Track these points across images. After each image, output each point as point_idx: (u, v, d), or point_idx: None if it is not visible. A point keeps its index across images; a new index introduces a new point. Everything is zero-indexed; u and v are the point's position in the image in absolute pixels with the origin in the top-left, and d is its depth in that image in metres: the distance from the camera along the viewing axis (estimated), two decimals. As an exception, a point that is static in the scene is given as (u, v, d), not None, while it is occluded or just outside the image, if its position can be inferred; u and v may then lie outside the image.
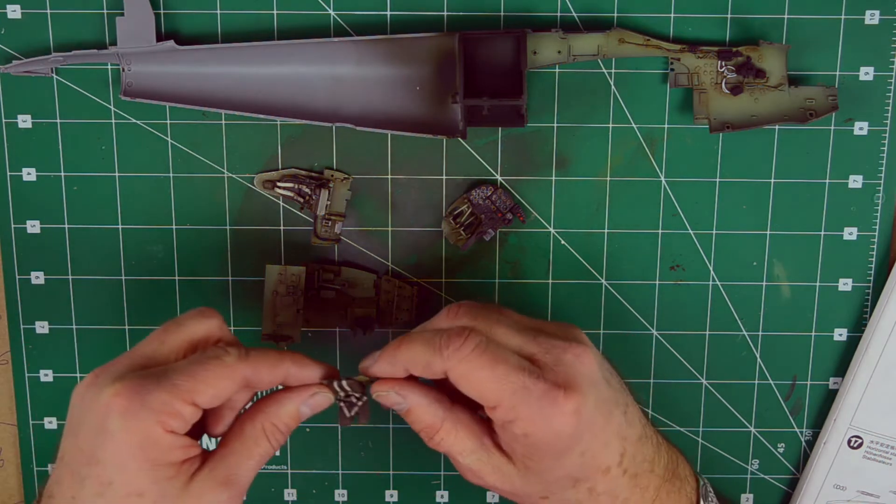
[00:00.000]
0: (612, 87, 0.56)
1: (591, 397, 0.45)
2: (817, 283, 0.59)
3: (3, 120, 0.57)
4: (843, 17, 0.55)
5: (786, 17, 0.55)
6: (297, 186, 0.57)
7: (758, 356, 0.60)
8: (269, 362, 0.45)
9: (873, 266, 0.59)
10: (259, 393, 0.49)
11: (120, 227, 0.58)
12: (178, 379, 0.43)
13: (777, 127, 0.57)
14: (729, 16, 0.55)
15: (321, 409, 0.47)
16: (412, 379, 0.47)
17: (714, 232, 0.58)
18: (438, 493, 0.62)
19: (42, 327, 0.60)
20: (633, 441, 0.47)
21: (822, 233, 0.58)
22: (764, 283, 0.59)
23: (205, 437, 0.49)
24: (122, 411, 0.42)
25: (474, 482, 0.48)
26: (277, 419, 0.46)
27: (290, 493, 0.62)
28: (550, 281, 0.59)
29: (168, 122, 0.57)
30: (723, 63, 0.55)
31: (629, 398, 0.48)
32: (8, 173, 0.57)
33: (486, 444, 0.47)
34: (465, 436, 0.47)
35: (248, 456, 0.46)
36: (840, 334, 0.60)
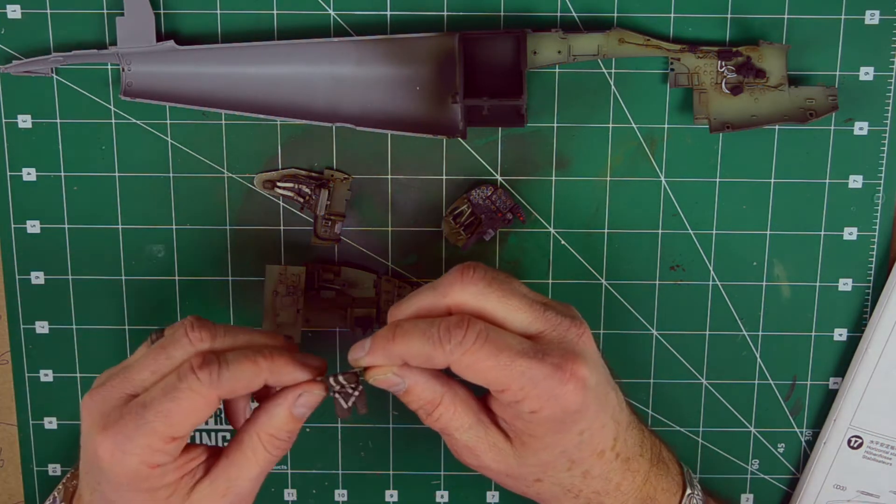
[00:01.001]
0: (612, 87, 0.56)
1: (593, 375, 0.45)
2: (817, 283, 0.59)
3: (3, 120, 0.57)
4: (843, 17, 0.55)
5: (786, 17, 0.55)
6: (297, 186, 0.57)
7: (758, 356, 0.60)
8: (244, 379, 0.45)
9: (873, 266, 0.59)
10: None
11: (120, 227, 0.58)
12: (153, 419, 0.43)
13: (777, 127, 0.57)
14: (729, 16, 0.56)
15: (316, 405, 0.47)
16: None
17: (714, 232, 0.58)
18: (438, 493, 0.62)
19: (42, 327, 0.60)
20: (624, 425, 0.48)
21: (822, 233, 0.58)
22: (764, 283, 0.59)
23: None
24: (108, 458, 0.44)
25: (469, 461, 0.48)
26: (271, 428, 0.46)
27: (290, 493, 0.62)
28: (550, 281, 0.59)
29: (168, 122, 0.57)
30: (723, 63, 0.55)
31: (616, 383, 0.49)
32: (8, 173, 0.57)
33: (482, 420, 0.47)
34: (462, 411, 0.47)
35: (247, 467, 0.46)
36: (840, 334, 0.60)
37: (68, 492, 0.52)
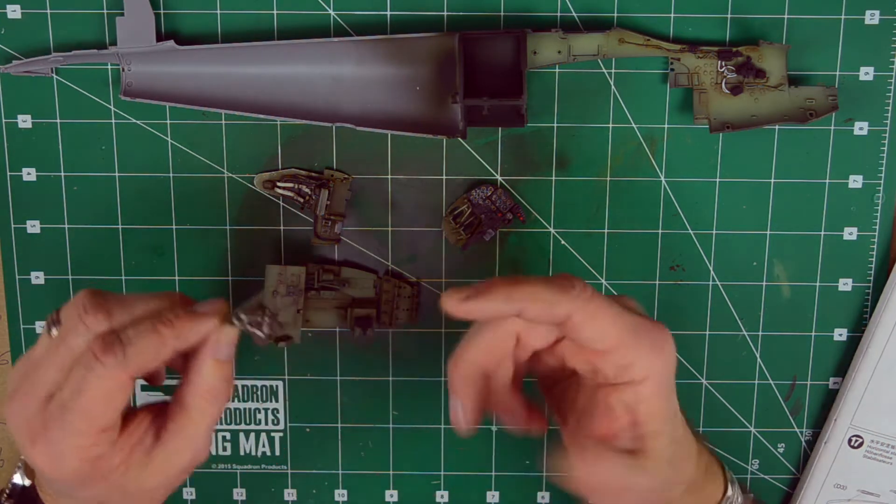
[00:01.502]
0: (612, 87, 0.56)
1: (673, 355, 0.45)
2: (817, 283, 0.59)
3: (3, 120, 0.57)
4: (843, 17, 0.55)
5: (786, 17, 0.55)
6: (297, 186, 0.57)
7: (758, 356, 0.60)
8: (150, 352, 0.44)
9: (873, 266, 0.59)
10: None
11: (120, 227, 0.58)
12: (75, 419, 0.43)
13: (777, 127, 0.57)
14: (729, 16, 0.55)
15: (235, 342, 0.46)
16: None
17: (714, 232, 0.58)
18: (438, 493, 0.62)
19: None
20: (680, 419, 0.47)
21: (822, 233, 0.58)
22: (764, 283, 0.59)
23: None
24: (49, 468, 0.44)
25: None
26: (207, 384, 0.45)
27: (290, 493, 0.62)
28: (550, 281, 0.59)
29: (168, 122, 0.57)
30: (723, 63, 0.55)
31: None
32: (8, 173, 0.57)
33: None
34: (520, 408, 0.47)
35: (196, 426, 0.46)
36: (840, 334, 0.60)
37: (28, 468, 0.52)
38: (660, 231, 0.58)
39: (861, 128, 0.57)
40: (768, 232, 0.58)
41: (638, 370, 0.44)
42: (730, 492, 0.51)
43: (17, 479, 0.51)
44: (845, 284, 0.59)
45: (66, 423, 0.43)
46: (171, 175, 0.58)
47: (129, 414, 0.46)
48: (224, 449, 0.62)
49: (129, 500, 0.46)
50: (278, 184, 0.57)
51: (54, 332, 0.45)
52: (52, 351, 0.44)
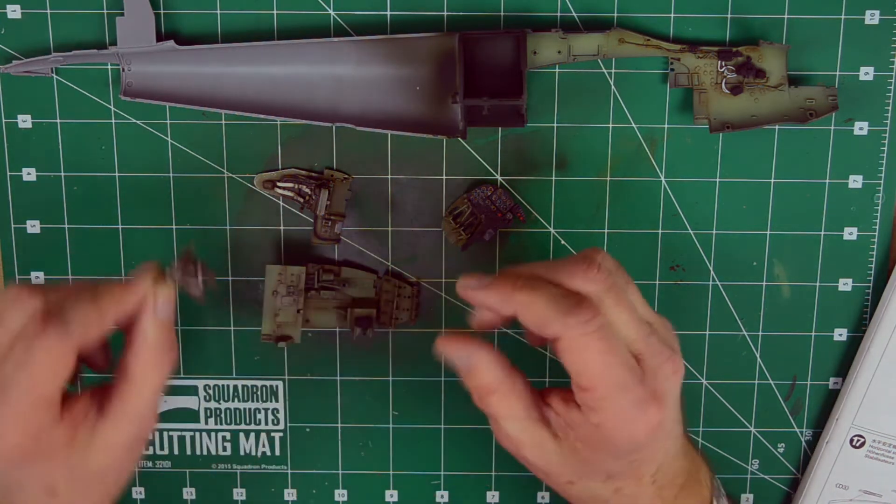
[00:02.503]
0: (612, 87, 0.56)
1: (669, 419, 0.45)
2: (817, 283, 0.59)
3: (3, 120, 0.57)
4: (843, 17, 0.55)
5: (786, 17, 0.55)
6: (297, 186, 0.57)
7: (758, 356, 0.60)
8: (91, 319, 0.44)
9: (873, 266, 0.59)
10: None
11: (120, 227, 0.58)
12: (19, 393, 0.42)
13: (777, 127, 0.57)
14: (729, 16, 0.55)
15: (173, 299, 0.45)
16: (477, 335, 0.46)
17: (714, 232, 0.58)
18: (438, 493, 0.62)
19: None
20: (671, 456, 0.47)
21: (822, 233, 0.58)
22: (764, 283, 0.59)
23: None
24: None
25: (508, 448, 0.48)
26: (150, 345, 0.45)
27: (290, 493, 0.62)
28: (550, 281, 0.59)
29: (168, 122, 0.57)
30: (723, 63, 0.55)
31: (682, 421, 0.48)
32: (8, 173, 0.57)
33: (533, 415, 0.46)
34: (515, 403, 0.46)
35: (142, 393, 0.45)
36: (840, 334, 0.60)
37: None
38: (660, 231, 0.58)
39: (861, 128, 0.57)
40: (768, 232, 0.58)
41: (597, 418, 0.44)
42: None
43: None
44: (845, 284, 0.59)
45: (7, 398, 0.42)
46: (171, 175, 0.58)
47: (70, 399, 0.45)
48: (224, 449, 0.62)
49: (77, 484, 0.45)
50: (278, 184, 0.57)
51: None
52: None
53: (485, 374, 0.46)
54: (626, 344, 0.44)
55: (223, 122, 0.57)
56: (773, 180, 0.58)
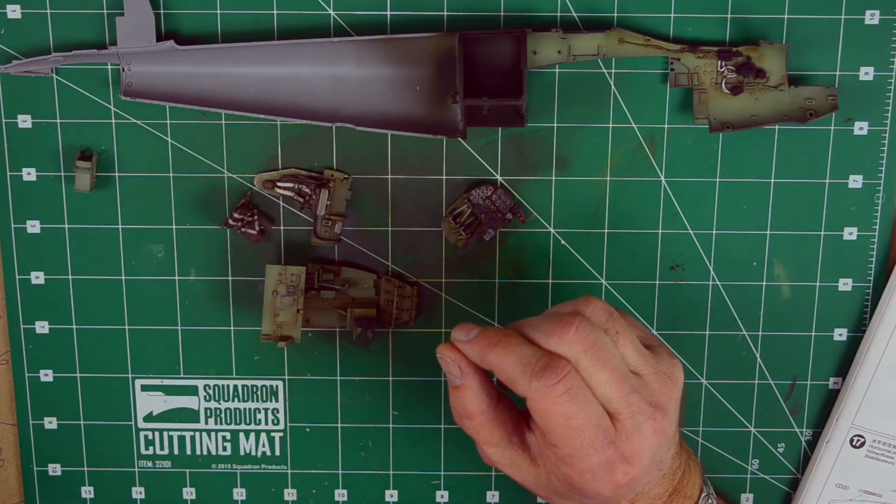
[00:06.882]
0: (612, 87, 0.56)
1: (643, 471, 0.45)
2: (817, 283, 0.59)
3: (3, 120, 0.57)
4: (843, 17, 0.55)
5: (786, 17, 0.55)
6: (297, 186, 0.57)
7: (758, 356, 0.60)
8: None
9: (873, 266, 0.59)
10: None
11: (120, 227, 0.58)
12: None
13: (777, 127, 0.57)
14: (729, 16, 0.55)
15: None
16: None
17: (714, 232, 0.58)
18: (438, 493, 0.62)
19: (42, 327, 0.60)
20: (652, 484, 0.47)
21: (822, 233, 0.58)
22: (764, 283, 0.59)
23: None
24: None
25: (487, 464, 0.49)
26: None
27: (290, 493, 0.62)
28: (550, 281, 0.59)
29: (168, 122, 0.57)
30: (723, 63, 0.55)
31: (679, 430, 0.48)
32: (8, 173, 0.57)
33: (513, 441, 0.47)
34: (496, 429, 0.47)
35: None
36: (840, 334, 0.60)
37: None
38: (660, 231, 0.58)
39: (861, 128, 0.57)
40: (768, 232, 0.58)
41: (565, 470, 0.44)
42: None
43: None
44: (845, 284, 0.59)
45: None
46: (171, 175, 0.58)
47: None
48: (224, 449, 0.62)
49: None
50: (278, 184, 0.57)
51: None
52: None
53: (468, 399, 0.46)
54: (606, 402, 0.44)
55: (223, 122, 0.57)
56: (773, 180, 0.58)
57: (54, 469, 0.62)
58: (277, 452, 0.62)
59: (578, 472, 0.44)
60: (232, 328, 0.60)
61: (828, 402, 0.61)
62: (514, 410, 0.47)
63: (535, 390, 0.43)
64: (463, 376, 0.46)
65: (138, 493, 0.62)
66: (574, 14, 0.55)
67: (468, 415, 0.46)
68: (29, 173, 0.57)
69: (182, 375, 0.60)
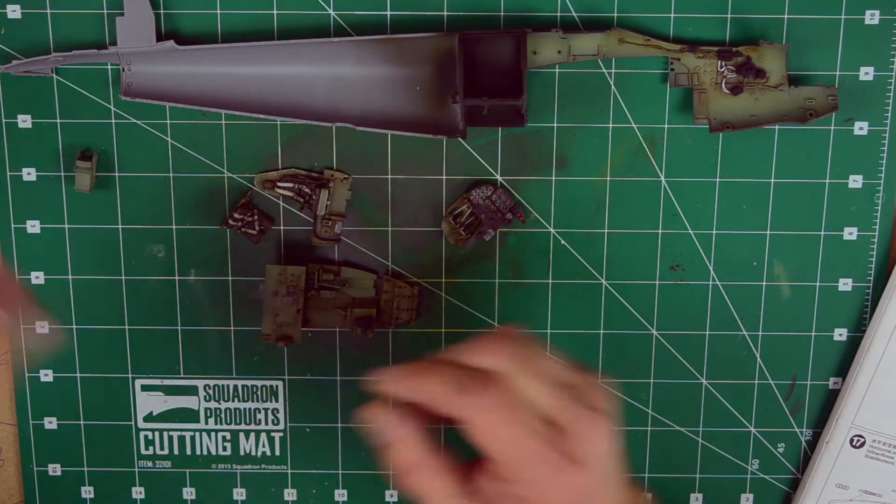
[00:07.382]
0: (612, 87, 0.56)
1: (596, 476, 0.44)
2: (817, 283, 0.59)
3: (3, 120, 0.57)
4: (843, 17, 0.55)
5: (786, 17, 0.55)
6: (297, 186, 0.57)
7: (758, 356, 0.60)
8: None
9: (873, 266, 0.59)
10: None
11: (120, 226, 0.58)
12: None
13: (777, 127, 0.57)
14: (729, 16, 0.55)
15: None
16: (413, 407, 0.45)
17: (714, 232, 0.58)
18: (438, 493, 0.62)
19: (42, 327, 0.60)
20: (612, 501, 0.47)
21: (822, 233, 0.58)
22: (764, 283, 0.59)
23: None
24: None
25: None
26: None
27: (290, 493, 0.62)
28: (550, 281, 0.59)
29: (168, 122, 0.57)
30: (723, 63, 0.55)
31: (619, 475, 0.47)
32: (8, 173, 0.57)
33: (465, 489, 0.45)
34: (447, 479, 0.45)
35: None
36: (840, 334, 0.60)
37: None
38: (660, 231, 0.58)
39: (861, 128, 0.57)
40: (768, 232, 0.58)
41: (517, 489, 0.43)
42: None
43: None
44: (845, 284, 0.59)
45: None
46: (171, 175, 0.58)
47: None
48: (224, 449, 0.62)
49: None
50: (278, 184, 0.57)
51: None
52: None
53: (406, 449, 0.44)
54: (543, 411, 0.43)
55: (223, 122, 0.57)
56: (773, 180, 0.58)
57: (54, 469, 0.62)
58: (277, 452, 0.62)
59: (529, 486, 0.43)
60: (232, 328, 0.60)
61: (828, 402, 0.61)
62: (457, 462, 0.46)
63: (466, 406, 0.42)
64: (396, 429, 0.44)
65: (138, 493, 0.62)
66: (574, 14, 0.55)
67: (413, 466, 0.45)
68: (29, 173, 0.57)
69: (182, 375, 0.60)
